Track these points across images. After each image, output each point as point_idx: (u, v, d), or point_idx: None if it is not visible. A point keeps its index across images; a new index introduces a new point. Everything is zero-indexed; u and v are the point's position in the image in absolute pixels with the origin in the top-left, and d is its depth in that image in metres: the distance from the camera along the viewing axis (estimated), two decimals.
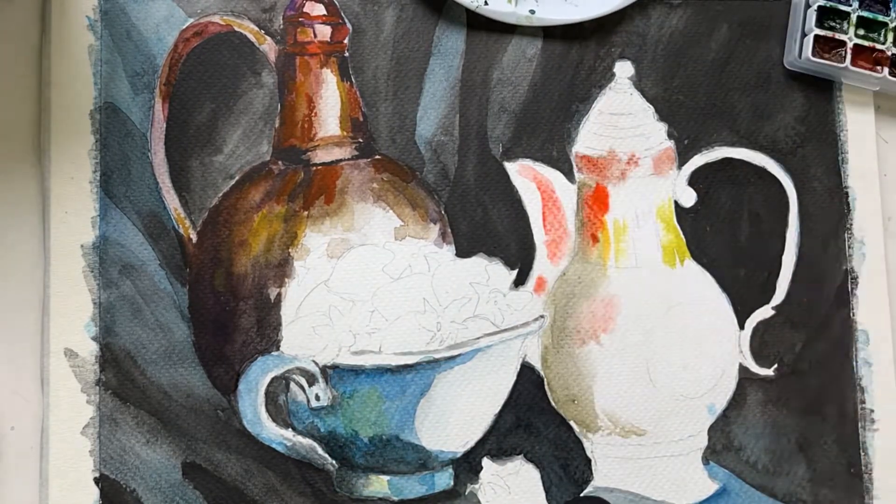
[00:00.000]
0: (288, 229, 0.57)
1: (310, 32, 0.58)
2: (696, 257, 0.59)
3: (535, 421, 0.58)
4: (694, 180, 0.60)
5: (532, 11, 0.58)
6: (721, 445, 0.59)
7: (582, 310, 0.58)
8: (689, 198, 0.60)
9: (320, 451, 0.56)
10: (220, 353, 0.56)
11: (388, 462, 0.56)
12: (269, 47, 0.58)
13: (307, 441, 0.56)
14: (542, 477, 0.57)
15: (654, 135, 0.60)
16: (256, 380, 0.55)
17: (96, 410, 0.55)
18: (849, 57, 0.60)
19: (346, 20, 0.59)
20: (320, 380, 0.55)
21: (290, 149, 0.58)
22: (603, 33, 0.60)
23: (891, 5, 0.61)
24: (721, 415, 0.59)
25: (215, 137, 0.57)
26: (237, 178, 0.57)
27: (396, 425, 0.56)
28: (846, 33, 0.61)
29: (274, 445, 0.56)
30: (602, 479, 0.58)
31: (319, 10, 0.58)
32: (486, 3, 0.58)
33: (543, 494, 0.57)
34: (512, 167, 0.59)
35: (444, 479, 0.57)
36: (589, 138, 0.59)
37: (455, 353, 0.56)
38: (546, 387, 0.58)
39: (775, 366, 0.60)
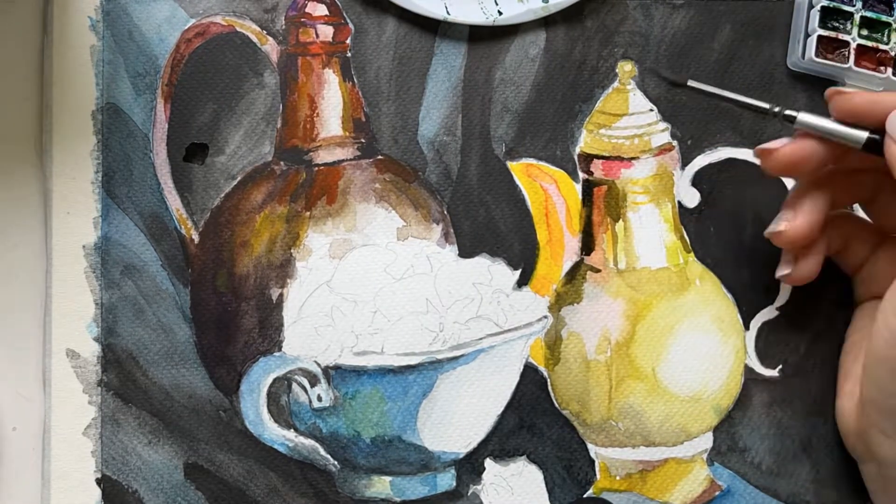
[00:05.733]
0: (290, 230, 0.57)
1: (312, 33, 0.58)
2: (700, 258, 0.59)
3: (538, 422, 0.57)
4: (697, 181, 0.60)
5: (545, 0, 0.58)
6: (726, 447, 0.58)
7: (585, 310, 0.58)
8: (692, 198, 0.60)
9: (322, 451, 0.56)
10: (222, 353, 0.56)
11: (391, 463, 0.56)
12: (271, 48, 0.58)
13: (309, 442, 0.56)
14: (545, 478, 0.57)
15: (657, 135, 0.60)
16: (258, 380, 0.55)
17: (98, 411, 0.54)
18: (852, 57, 0.60)
19: (349, 20, 0.58)
20: (322, 380, 0.55)
21: (293, 149, 0.57)
22: (606, 33, 0.60)
23: (894, 5, 0.61)
24: (726, 416, 0.58)
25: (217, 138, 0.57)
26: (239, 178, 0.57)
27: (399, 426, 0.56)
28: (849, 34, 0.61)
29: (276, 446, 0.55)
30: (605, 480, 0.58)
31: (321, 10, 0.58)
32: (500, 14, 0.58)
33: (546, 495, 0.57)
34: (515, 167, 0.59)
35: (446, 480, 0.57)
36: (592, 138, 0.59)
37: (458, 353, 0.56)
38: (549, 388, 0.58)
39: (780, 367, 0.59)
